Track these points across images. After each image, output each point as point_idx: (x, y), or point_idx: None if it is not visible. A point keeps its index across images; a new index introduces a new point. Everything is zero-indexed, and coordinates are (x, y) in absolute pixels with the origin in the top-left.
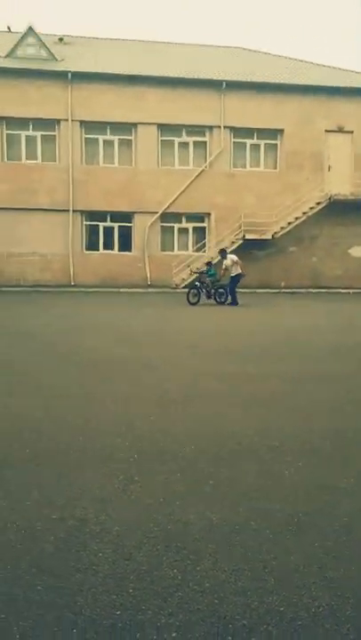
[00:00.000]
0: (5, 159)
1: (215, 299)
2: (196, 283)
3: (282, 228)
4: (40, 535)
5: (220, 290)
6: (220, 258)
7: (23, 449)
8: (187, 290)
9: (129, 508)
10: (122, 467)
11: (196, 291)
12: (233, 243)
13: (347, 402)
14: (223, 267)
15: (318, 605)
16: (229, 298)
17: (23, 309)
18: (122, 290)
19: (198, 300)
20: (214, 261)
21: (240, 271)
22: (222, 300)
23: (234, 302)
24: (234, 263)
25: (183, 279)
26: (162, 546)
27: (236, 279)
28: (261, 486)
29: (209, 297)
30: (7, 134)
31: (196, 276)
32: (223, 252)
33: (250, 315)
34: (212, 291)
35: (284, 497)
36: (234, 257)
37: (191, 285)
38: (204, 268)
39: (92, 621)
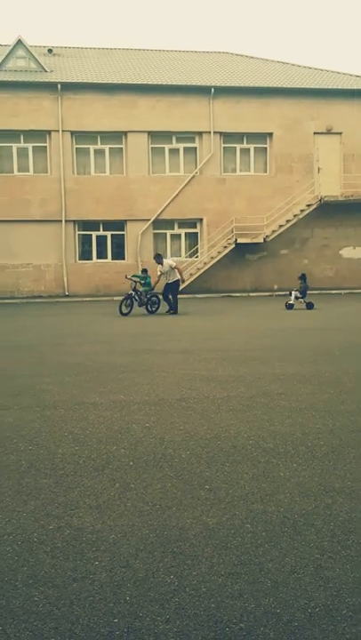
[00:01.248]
0: None
1: (147, 308)
2: (131, 291)
3: (273, 231)
4: (37, 546)
5: (153, 298)
6: (156, 263)
7: (19, 459)
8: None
9: (125, 516)
10: (118, 474)
11: (129, 301)
12: (225, 247)
13: (340, 402)
14: (158, 273)
15: (315, 606)
16: (173, 306)
17: (17, 321)
18: (115, 298)
19: (131, 310)
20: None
21: (178, 277)
22: (153, 309)
23: (173, 308)
24: (171, 269)
25: None
26: (158, 552)
27: (173, 286)
28: (257, 489)
29: (140, 305)
30: None
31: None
32: (159, 257)
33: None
34: (145, 299)
35: (279, 499)
36: (172, 262)
37: (125, 295)
38: (139, 275)
39: (89, 630)
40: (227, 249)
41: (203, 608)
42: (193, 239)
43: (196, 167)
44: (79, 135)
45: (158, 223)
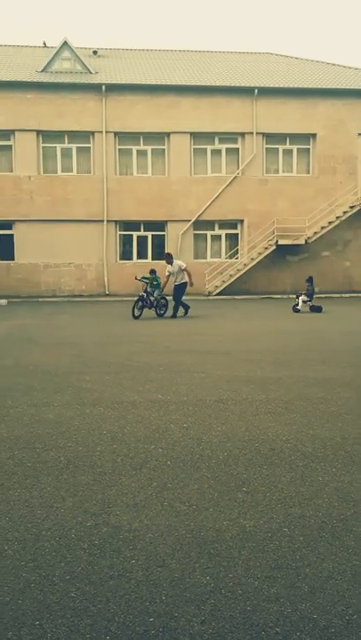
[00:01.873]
0: (42, 172)
1: (156, 311)
2: (142, 293)
3: (315, 232)
4: (74, 542)
5: (162, 301)
6: (166, 264)
7: (58, 456)
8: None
9: (162, 515)
10: (155, 473)
11: (141, 303)
12: (266, 249)
13: None
14: (167, 273)
15: (353, 613)
16: (174, 309)
17: (59, 319)
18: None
19: (142, 313)
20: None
21: (186, 279)
22: (162, 312)
23: (176, 313)
24: (181, 270)
25: (216, 286)
26: (195, 552)
27: (180, 288)
28: (295, 493)
29: (150, 307)
30: (43, 147)
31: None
32: (169, 257)
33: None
34: (154, 301)
35: (318, 503)
36: (182, 263)
37: (138, 297)
38: (148, 276)
39: (125, 628)
40: (267, 250)
41: (239, 610)
42: (233, 240)
43: (238, 168)
44: (122, 136)
45: (199, 224)
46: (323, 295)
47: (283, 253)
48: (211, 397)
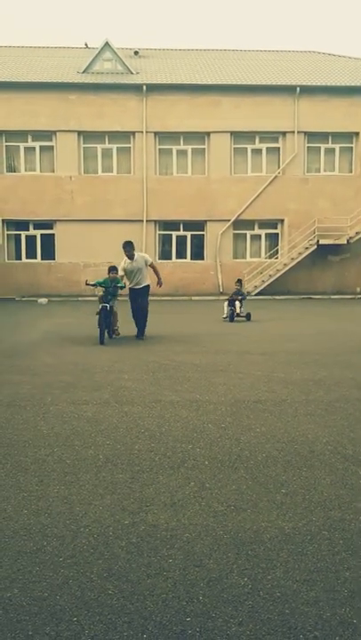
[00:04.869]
0: (82, 172)
1: (108, 331)
2: (102, 304)
3: (357, 232)
4: (112, 540)
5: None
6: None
7: (97, 454)
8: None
9: (200, 515)
10: (193, 473)
11: (104, 321)
12: (307, 248)
13: None
14: (121, 272)
15: None
16: (140, 325)
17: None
18: (194, 298)
19: (104, 336)
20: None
21: (148, 281)
22: (115, 329)
23: (143, 332)
24: (145, 266)
25: (256, 286)
26: (232, 553)
27: (144, 293)
28: (335, 495)
29: (107, 329)
30: (84, 148)
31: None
32: (129, 247)
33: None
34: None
35: (358, 507)
36: (147, 257)
37: (101, 309)
38: (105, 281)
39: (162, 627)
40: (308, 250)
41: (277, 613)
42: (273, 240)
43: (278, 167)
44: (162, 136)
45: (238, 224)
46: None
47: (324, 253)
48: (249, 398)
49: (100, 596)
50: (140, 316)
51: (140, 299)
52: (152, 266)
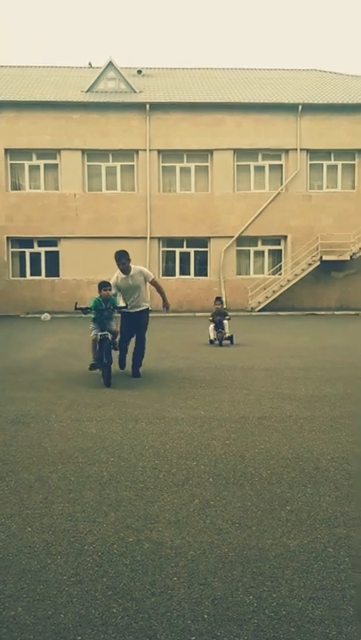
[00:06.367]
0: (87, 190)
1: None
2: (101, 333)
3: (360, 248)
4: (116, 558)
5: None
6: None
7: (101, 471)
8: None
9: (204, 532)
10: (198, 490)
11: (105, 358)
12: (310, 265)
13: None
14: (114, 290)
15: None
16: (135, 363)
17: None
18: (198, 314)
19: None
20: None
21: (148, 304)
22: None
23: (138, 369)
24: (143, 283)
25: (259, 302)
26: (238, 571)
27: (142, 318)
28: (340, 513)
29: (104, 366)
30: (88, 166)
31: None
32: (123, 257)
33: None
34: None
35: None
36: (148, 272)
37: (101, 338)
38: (97, 298)
39: None
40: (311, 266)
41: (282, 631)
42: (277, 256)
43: (281, 184)
44: (166, 154)
45: (242, 240)
46: None
47: (327, 269)
48: (254, 414)
49: (104, 614)
50: (137, 347)
51: (136, 326)
52: (154, 283)
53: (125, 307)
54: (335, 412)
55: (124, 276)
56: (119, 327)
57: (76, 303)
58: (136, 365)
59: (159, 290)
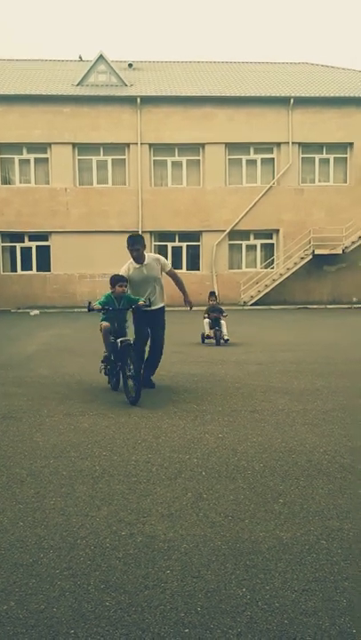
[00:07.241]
0: (77, 184)
1: (126, 389)
2: (114, 339)
3: (353, 242)
4: (109, 551)
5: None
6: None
7: (93, 465)
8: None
9: (197, 526)
10: (190, 484)
11: (117, 365)
12: (302, 258)
13: None
14: (126, 285)
15: None
16: (147, 372)
17: (94, 329)
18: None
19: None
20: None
21: (163, 302)
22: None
23: (146, 380)
24: (159, 274)
25: (252, 296)
26: (230, 564)
27: (159, 316)
28: (333, 505)
29: (117, 376)
30: (79, 160)
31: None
32: (135, 242)
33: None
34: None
35: (356, 517)
36: (165, 260)
37: (110, 348)
38: (110, 295)
39: (160, 639)
40: (303, 260)
41: (275, 623)
42: (269, 250)
43: (273, 178)
44: (157, 147)
45: (234, 234)
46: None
47: (320, 263)
48: (246, 408)
49: (97, 608)
50: (154, 351)
51: (152, 326)
52: (172, 274)
53: (147, 304)
54: (328, 406)
55: (137, 265)
56: (135, 339)
57: (89, 303)
58: (149, 373)
59: (178, 282)
